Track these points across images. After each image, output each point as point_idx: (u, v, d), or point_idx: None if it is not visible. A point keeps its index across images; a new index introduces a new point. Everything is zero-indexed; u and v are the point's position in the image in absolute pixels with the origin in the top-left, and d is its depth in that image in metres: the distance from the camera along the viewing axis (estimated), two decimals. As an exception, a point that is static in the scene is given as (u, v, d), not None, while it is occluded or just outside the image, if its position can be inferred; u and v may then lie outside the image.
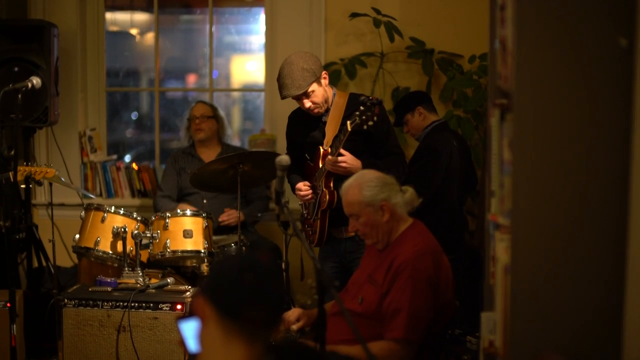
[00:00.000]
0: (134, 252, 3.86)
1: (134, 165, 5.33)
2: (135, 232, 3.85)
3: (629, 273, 1.82)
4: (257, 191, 4.74)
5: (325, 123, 3.55)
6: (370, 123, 3.14)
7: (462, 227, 4.27)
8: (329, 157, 3.36)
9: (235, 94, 6.16)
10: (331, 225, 3.52)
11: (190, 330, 1.78)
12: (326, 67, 4.69)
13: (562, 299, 1.89)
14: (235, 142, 5.57)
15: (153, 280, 3.78)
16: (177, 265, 4.15)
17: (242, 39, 6.00)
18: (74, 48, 5.19)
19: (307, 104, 3.48)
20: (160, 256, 3.94)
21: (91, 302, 3.57)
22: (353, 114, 3.18)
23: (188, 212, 4.03)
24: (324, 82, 3.51)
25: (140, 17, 5.97)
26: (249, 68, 6.10)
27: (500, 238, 2.04)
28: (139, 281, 3.72)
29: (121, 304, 3.54)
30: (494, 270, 2.14)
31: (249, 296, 1.72)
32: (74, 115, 5.24)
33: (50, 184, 3.97)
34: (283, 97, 3.48)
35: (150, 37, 5.75)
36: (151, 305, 3.53)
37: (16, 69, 4.47)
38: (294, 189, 3.63)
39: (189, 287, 3.74)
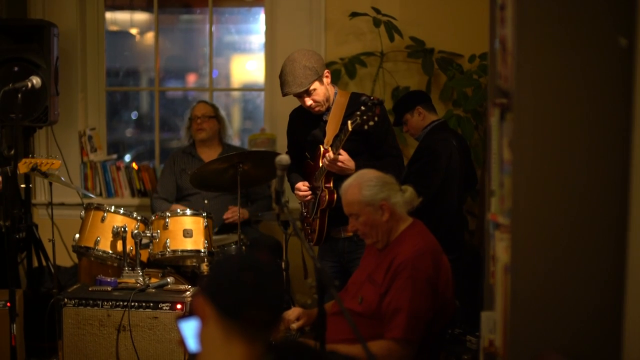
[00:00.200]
0: (133, 252, 3.86)
1: (134, 165, 5.33)
2: (135, 231, 3.85)
3: (628, 272, 1.82)
4: (260, 190, 4.74)
5: (326, 122, 3.55)
6: (371, 123, 3.15)
7: (462, 227, 4.27)
8: (328, 155, 3.36)
9: (235, 94, 6.16)
10: (329, 225, 3.52)
11: (190, 329, 1.78)
12: (326, 66, 4.68)
13: (562, 298, 1.89)
14: (235, 141, 5.57)
15: (153, 280, 3.78)
16: (177, 265, 4.15)
17: (242, 39, 6.01)
18: (73, 48, 5.19)
19: (309, 102, 3.48)
20: (160, 256, 3.94)
21: (91, 302, 3.57)
22: (354, 113, 3.18)
23: (188, 211, 4.03)
24: (326, 80, 3.51)
25: (140, 16, 5.97)
26: (248, 68, 6.10)
27: (500, 237, 2.04)
28: (139, 281, 3.72)
29: (121, 303, 3.54)
30: (494, 270, 2.14)
31: (249, 296, 1.72)
32: (74, 115, 5.24)
33: (50, 184, 3.96)
34: (284, 94, 3.48)
35: (150, 36, 5.75)
36: (151, 304, 3.53)
37: (16, 68, 4.47)
38: (293, 189, 3.63)
39: (189, 286, 3.75)
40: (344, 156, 3.35)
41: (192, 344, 1.78)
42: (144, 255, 4.02)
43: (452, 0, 4.86)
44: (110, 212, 3.96)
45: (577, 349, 1.89)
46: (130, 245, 3.87)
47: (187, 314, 1.78)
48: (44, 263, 4.57)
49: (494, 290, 2.13)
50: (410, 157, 4.17)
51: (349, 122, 3.20)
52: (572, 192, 1.88)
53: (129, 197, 5.28)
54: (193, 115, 4.84)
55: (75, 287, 3.75)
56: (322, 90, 3.48)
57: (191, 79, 6.09)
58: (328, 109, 3.55)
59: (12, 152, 3.84)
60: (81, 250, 3.97)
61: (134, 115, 6.20)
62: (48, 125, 4.70)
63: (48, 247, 4.18)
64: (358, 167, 3.28)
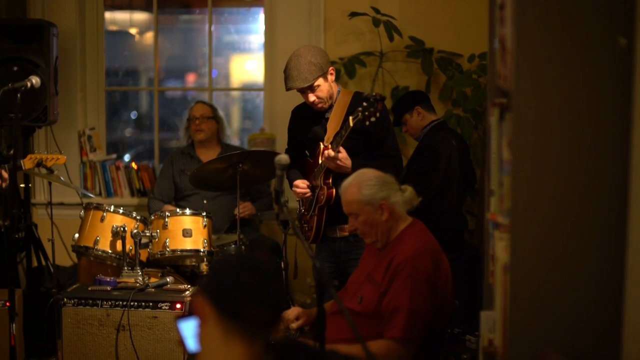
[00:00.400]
0: (133, 251, 3.86)
1: (133, 165, 5.33)
2: (135, 231, 3.85)
3: (628, 272, 1.82)
4: (262, 189, 4.74)
5: (327, 119, 3.55)
6: (373, 119, 3.14)
7: (461, 226, 4.27)
8: (327, 151, 3.35)
9: (235, 94, 6.16)
10: (326, 224, 3.52)
11: (189, 329, 1.77)
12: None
13: (562, 298, 1.89)
14: (235, 141, 5.57)
15: (152, 280, 3.78)
16: (177, 265, 4.15)
17: (241, 39, 6.00)
18: (73, 47, 5.19)
19: (312, 97, 3.48)
20: (159, 255, 3.94)
21: (90, 301, 3.57)
22: (356, 109, 3.18)
23: (187, 211, 4.03)
24: (330, 77, 3.51)
25: (140, 16, 5.97)
26: (248, 67, 6.10)
27: (499, 237, 2.04)
28: (138, 280, 3.72)
29: (120, 303, 3.54)
30: (494, 269, 2.14)
31: (249, 295, 1.72)
32: (73, 115, 5.23)
33: (50, 184, 3.96)
34: (288, 89, 3.48)
35: (149, 36, 5.75)
36: (150, 304, 3.53)
37: (15, 68, 4.47)
38: (291, 185, 3.63)
39: (189, 286, 3.75)
40: (342, 154, 3.35)
41: (192, 343, 1.78)
42: (144, 254, 4.02)
43: (452, 0, 4.86)
44: (110, 211, 3.96)
45: (577, 349, 1.89)
46: (129, 245, 3.87)
47: (187, 313, 1.78)
48: (44, 263, 4.56)
49: (494, 290, 2.13)
50: (410, 157, 4.17)
51: (351, 117, 3.19)
52: (571, 191, 1.88)
53: (128, 196, 5.28)
54: (191, 116, 4.83)
55: (74, 286, 3.75)
56: (325, 87, 3.48)
57: (190, 78, 6.08)
58: (330, 107, 3.55)
59: (12, 151, 3.84)
60: (80, 250, 3.97)
61: (133, 115, 6.20)
62: (47, 125, 4.70)
63: (47, 246, 4.18)
64: (355, 167, 3.28)
